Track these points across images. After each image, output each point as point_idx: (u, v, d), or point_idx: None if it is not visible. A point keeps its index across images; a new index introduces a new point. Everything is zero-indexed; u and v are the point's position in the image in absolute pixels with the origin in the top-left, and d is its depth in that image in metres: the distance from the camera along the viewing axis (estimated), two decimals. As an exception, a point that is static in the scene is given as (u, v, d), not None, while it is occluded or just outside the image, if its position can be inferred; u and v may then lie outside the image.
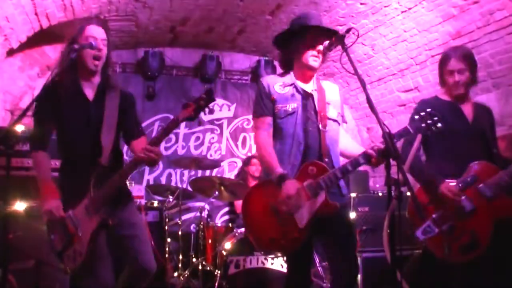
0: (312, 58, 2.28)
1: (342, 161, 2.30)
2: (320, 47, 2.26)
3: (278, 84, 2.34)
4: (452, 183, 2.53)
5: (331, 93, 2.40)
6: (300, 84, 2.35)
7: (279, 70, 2.83)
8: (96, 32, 2.29)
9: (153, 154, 2.09)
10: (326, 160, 2.24)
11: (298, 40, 2.30)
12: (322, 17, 2.49)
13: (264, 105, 2.32)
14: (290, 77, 2.36)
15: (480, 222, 2.46)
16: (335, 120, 2.34)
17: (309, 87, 2.36)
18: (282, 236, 2.14)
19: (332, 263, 2.30)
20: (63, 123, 2.30)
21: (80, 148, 2.28)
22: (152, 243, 3.76)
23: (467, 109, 2.69)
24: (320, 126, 2.27)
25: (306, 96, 2.32)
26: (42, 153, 2.31)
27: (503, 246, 2.47)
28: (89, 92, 2.32)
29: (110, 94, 2.34)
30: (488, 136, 2.65)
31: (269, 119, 2.32)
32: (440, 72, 2.72)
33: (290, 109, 2.28)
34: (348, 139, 2.48)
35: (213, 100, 2.08)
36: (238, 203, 4.70)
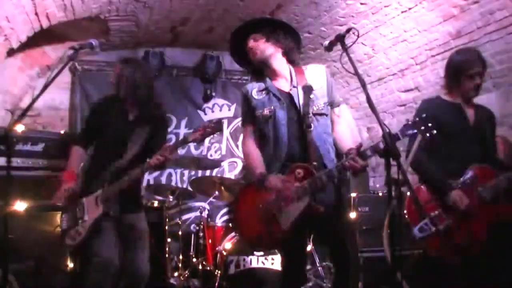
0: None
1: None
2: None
3: (255, 90, 2.33)
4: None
5: (315, 81, 2.29)
6: (277, 85, 2.30)
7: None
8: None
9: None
10: (314, 163, 2.16)
11: None
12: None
13: (247, 114, 2.37)
14: (265, 81, 2.32)
15: (476, 224, 2.46)
16: (322, 114, 2.25)
17: (287, 85, 2.30)
18: (268, 236, 2.16)
19: (331, 259, 2.30)
20: (105, 131, 2.74)
21: (108, 151, 2.71)
22: (153, 242, 3.79)
23: (469, 111, 2.69)
24: (304, 126, 2.19)
25: (284, 97, 2.26)
26: (77, 148, 2.81)
27: (501, 248, 2.47)
28: (132, 112, 2.79)
29: (146, 118, 2.76)
30: (488, 139, 2.65)
31: (250, 128, 2.35)
32: (458, 74, 2.64)
33: (268, 113, 2.24)
34: (341, 128, 2.34)
35: (220, 130, 2.43)
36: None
